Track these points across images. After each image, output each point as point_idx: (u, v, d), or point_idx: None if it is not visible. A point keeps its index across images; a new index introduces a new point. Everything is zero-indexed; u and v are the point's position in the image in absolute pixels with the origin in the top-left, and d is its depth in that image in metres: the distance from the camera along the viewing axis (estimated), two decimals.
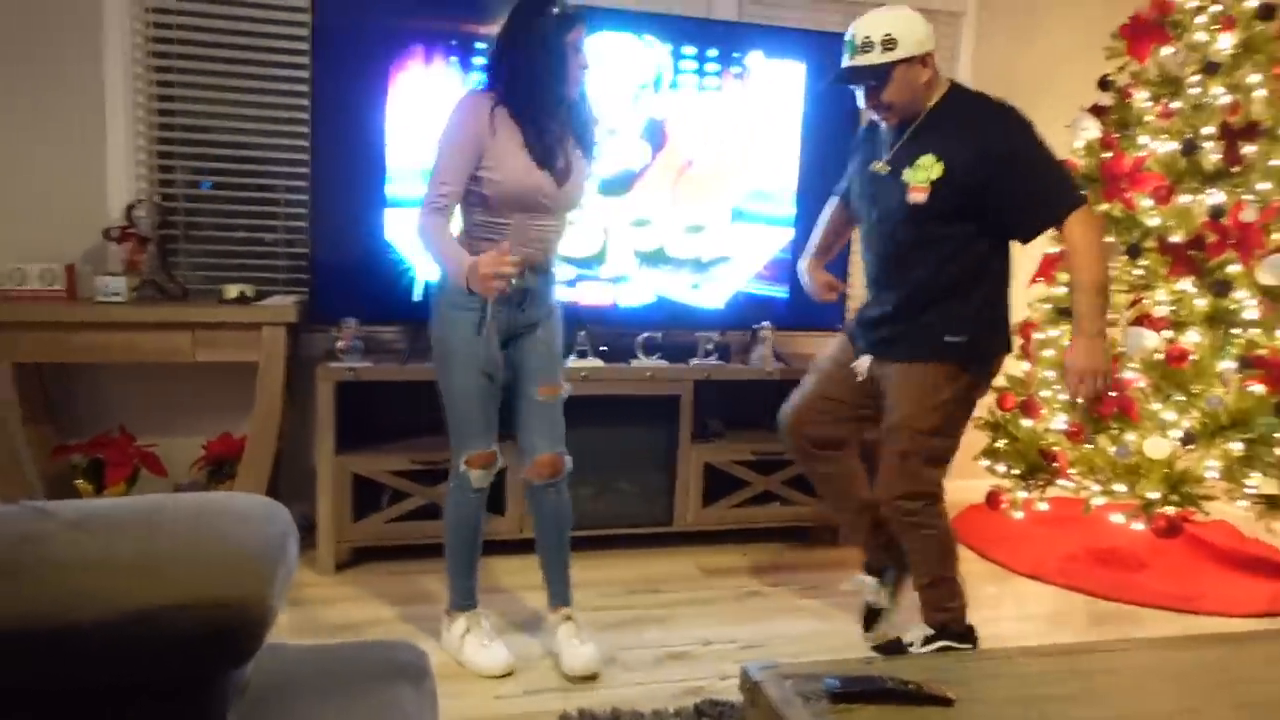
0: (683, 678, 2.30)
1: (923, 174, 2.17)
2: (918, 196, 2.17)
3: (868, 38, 2.14)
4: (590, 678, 2.27)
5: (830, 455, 2.48)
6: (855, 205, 2.42)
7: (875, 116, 2.25)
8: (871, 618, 2.56)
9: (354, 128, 2.78)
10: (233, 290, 2.90)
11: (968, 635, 2.39)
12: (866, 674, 1.34)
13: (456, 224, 2.21)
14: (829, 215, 2.61)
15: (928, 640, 2.38)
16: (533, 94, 2.09)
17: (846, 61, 2.19)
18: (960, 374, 2.24)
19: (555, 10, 2.07)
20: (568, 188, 2.19)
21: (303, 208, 3.09)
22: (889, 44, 2.12)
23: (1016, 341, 3.38)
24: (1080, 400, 2.26)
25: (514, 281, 2.07)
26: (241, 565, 1.01)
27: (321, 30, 2.73)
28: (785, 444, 2.54)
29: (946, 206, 2.17)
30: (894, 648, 2.43)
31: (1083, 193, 2.21)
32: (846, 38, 2.20)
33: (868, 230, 2.36)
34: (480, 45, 2.83)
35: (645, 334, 3.06)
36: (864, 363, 2.37)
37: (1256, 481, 2.96)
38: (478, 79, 2.18)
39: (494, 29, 2.79)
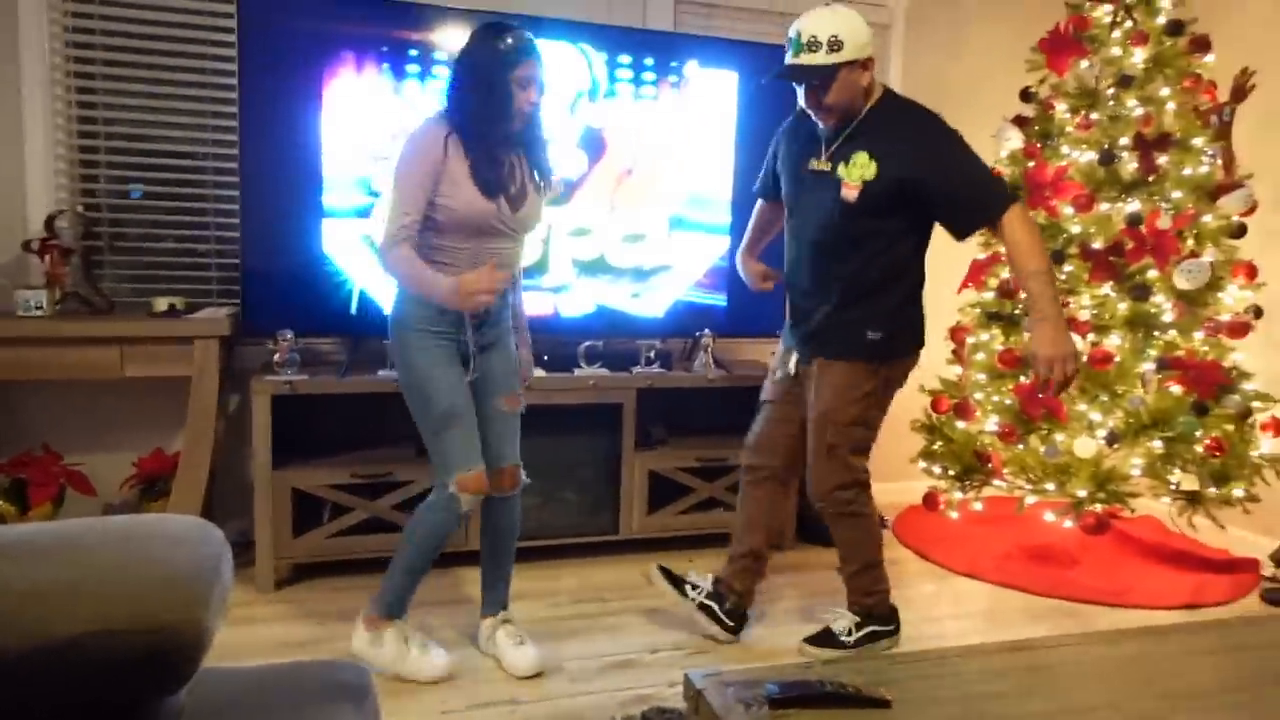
0: (629, 686, 2.31)
1: (856, 172, 2.22)
2: (849, 194, 2.23)
3: (814, 37, 2.15)
4: (537, 676, 2.30)
5: (763, 477, 2.54)
6: (787, 199, 2.45)
7: (814, 116, 2.28)
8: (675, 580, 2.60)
9: (286, 134, 2.74)
10: (162, 303, 2.83)
11: (893, 617, 2.51)
12: (805, 678, 1.36)
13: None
14: (757, 211, 2.68)
15: (857, 626, 2.46)
16: (478, 129, 2.12)
17: (791, 59, 2.21)
18: (880, 368, 2.34)
19: (503, 46, 2.08)
20: (523, 213, 2.22)
21: (235, 217, 3.02)
22: (835, 45, 2.14)
23: (949, 346, 3.49)
24: (1052, 389, 2.23)
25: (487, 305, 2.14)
26: (173, 588, 0.98)
27: (248, 32, 2.69)
28: (750, 470, 2.58)
29: (877, 205, 2.23)
30: (824, 638, 2.49)
31: (1013, 191, 2.29)
32: (791, 34, 2.21)
33: (798, 224, 2.40)
34: (412, 52, 2.82)
35: (587, 343, 3.07)
36: (792, 360, 2.43)
37: (1178, 478, 3.08)
38: (434, 103, 2.20)
39: (426, 35, 2.82)
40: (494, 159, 2.15)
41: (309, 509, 2.83)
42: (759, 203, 2.66)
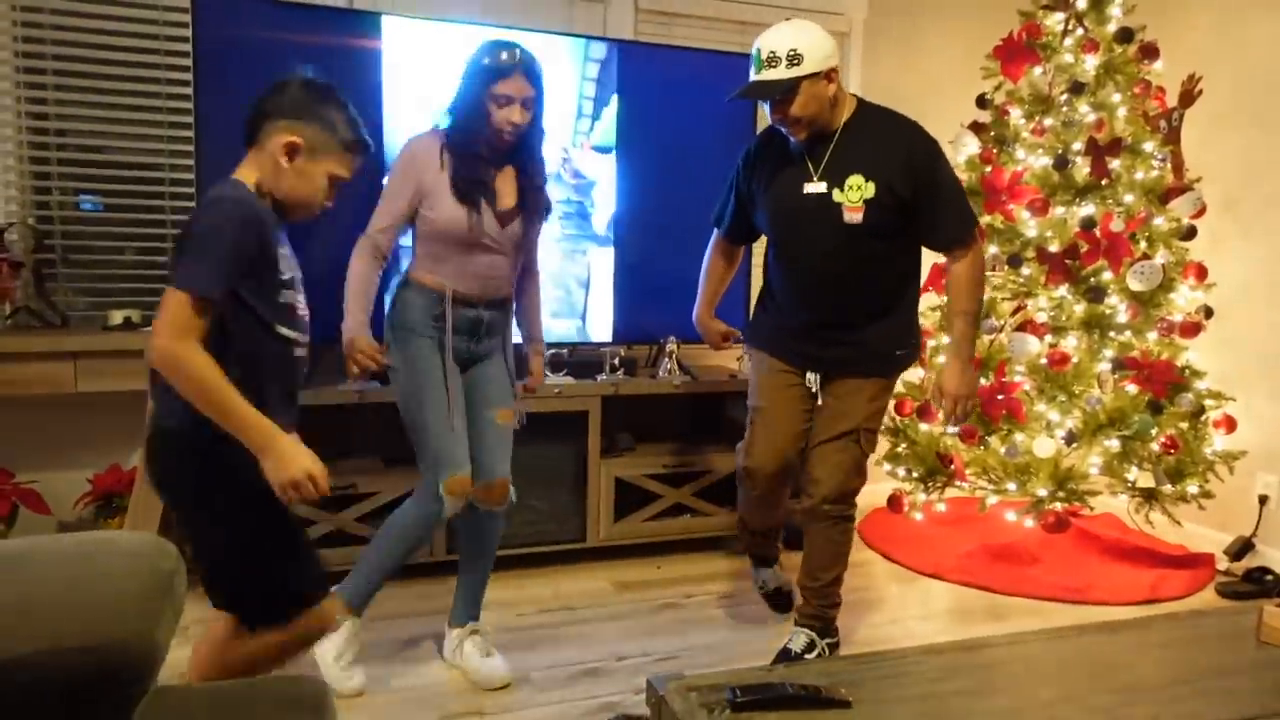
0: (596, 694, 2.31)
1: (855, 194, 2.22)
2: (854, 217, 2.22)
3: (773, 53, 2.16)
4: (504, 687, 2.30)
5: (783, 484, 2.52)
6: (778, 228, 2.38)
7: (785, 131, 2.27)
8: (782, 600, 2.72)
9: (241, 138, 2.70)
10: (118, 316, 2.79)
11: (838, 630, 2.53)
12: (767, 681, 1.37)
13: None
14: (713, 255, 2.61)
15: (816, 643, 2.45)
16: (455, 141, 2.17)
17: (754, 76, 2.22)
18: (895, 379, 2.45)
19: (485, 62, 2.11)
20: (511, 231, 2.23)
21: None
22: (794, 59, 2.15)
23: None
24: (950, 422, 2.41)
25: (471, 315, 2.23)
26: (123, 605, 0.97)
27: (203, 41, 2.66)
28: (759, 493, 2.49)
29: (882, 224, 2.23)
30: (788, 658, 2.43)
31: (977, 226, 2.34)
32: (753, 52, 2.22)
33: (799, 252, 2.35)
34: (364, 60, 2.81)
35: (551, 351, 3.07)
36: (815, 381, 2.41)
37: (1135, 475, 3.14)
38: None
39: (381, 44, 2.81)
40: (472, 171, 2.16)
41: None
42: (714, 244, 2.60)
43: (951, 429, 2.28)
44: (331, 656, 2.23)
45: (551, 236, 3.11)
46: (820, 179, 2.26)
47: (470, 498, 2.26)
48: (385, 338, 2.26)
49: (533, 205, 2.27)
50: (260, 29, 2.71)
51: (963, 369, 2.30)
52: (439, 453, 2.19)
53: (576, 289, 3.20)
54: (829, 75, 2.19)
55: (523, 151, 2.24)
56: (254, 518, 1.58)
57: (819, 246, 2.29)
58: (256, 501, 1.53)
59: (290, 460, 1.49)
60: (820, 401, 2.40)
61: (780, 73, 2.16)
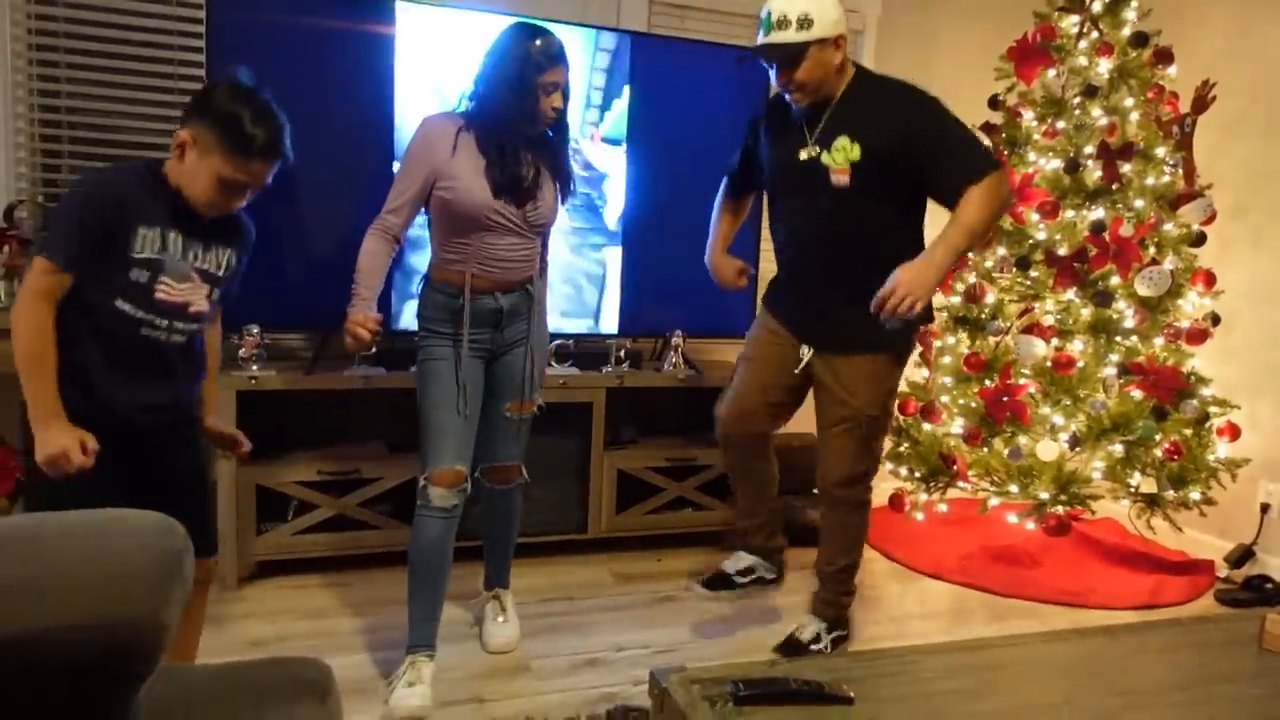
0: (595, 684, 2.31)
1: (841, 156, 2.19)
2: (840, 179, 2.20)
3: (784, 15, 2.14)
4: (506, 653, 2.43)
5: (762, 449, 2.53)
6: (774, 192, 2.41)
7: (788, 96, 2.26)
8: (716, 580, 2.70)
9: None
10: None
11: (849, 622, 2.56)
12: (770, 676, 1.37)
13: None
14: (721, 200, 2.64)
15: (827, 633, 2.48)
16: (499, 129, 2.12)
17: (761, 39, 2.20)
18: (904, 355, 2.39)
19: (534, 49, 2.08)
20: (533, 213, 2.20)
21: None
22: (805, 23, 2.12)
23: (916, 349, 3.54)
24: (885, 311, 2.10)
25: (490, 305, 2.21)
26: (133, 583, 0.97)
27: (216, 22, 2.65)
28: (724, 440, 2.54)
29: (869, 187, 2.20)
30: (793, 648, 2.47)
31: (996, 163, 2.19)
32: (762, 14, 2.20)
33: (793, 215, 2.36)
34: (377, 46, 2.80)
35: (557, 342, 3.07)
36: (807, 353, 2.37)
37: (1137, 481, 3.14)
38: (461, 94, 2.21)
39: (396, 30, 2.80)
40: (515, 158, 2.14)
41: (274, 506, 2.80)
42: (721, 190, 2.62)
43: (886, 321, 2.08)
44: (393, 688, 2.15)
45: (560, 229, 3.10)
46: (815, 144, 2.25)
47: (481, 477, 2.35)
48: (419, 324, 2.27)
49: (559, 183, 2.26)
50: (274, 11, 2.70)
51: (925, 267, 2.07)
52: (428, 442, 2.19)
53: (588, 286, 3.18)
54: (837, 42, 2.18)
55: (553, 136, 2.24)
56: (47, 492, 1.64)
57: (811, 210, 2.29)
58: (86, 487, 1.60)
59: (49, 440, 1.57)
60: (822, 380, 2.37)
61: (790, 35, 2.14)
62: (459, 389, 2.19)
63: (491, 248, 2.18)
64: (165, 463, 1.80)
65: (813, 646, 2.45)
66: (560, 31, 2.95)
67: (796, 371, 2.39)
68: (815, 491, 2.48)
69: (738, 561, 2.71)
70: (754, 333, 2.52)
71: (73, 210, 1.62)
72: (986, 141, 3.39)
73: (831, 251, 2.31)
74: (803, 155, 2.26)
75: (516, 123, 2.12)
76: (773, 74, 2.24)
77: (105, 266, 1.63)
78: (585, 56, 3.05)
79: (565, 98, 2.17)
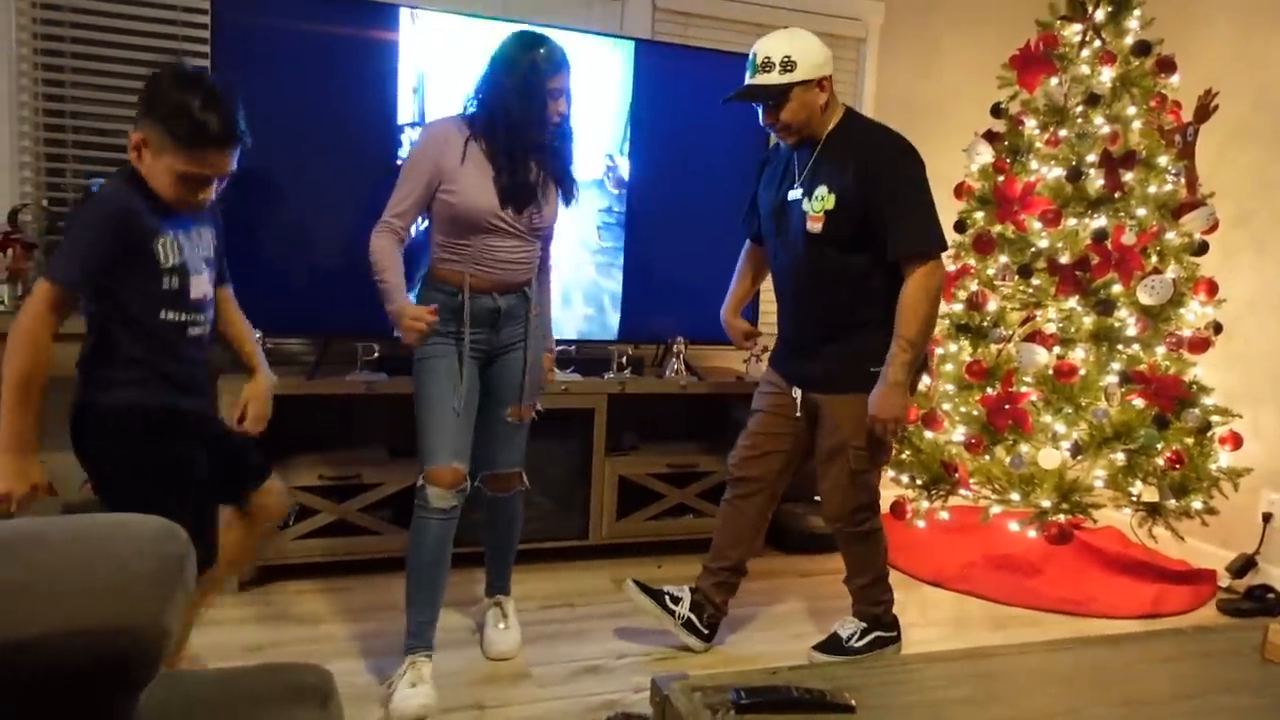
0: (596, 691, 2.31)
1: (819, 204, 2.26)
2: (814, 226, 2.27)
3: (768, 58, 2.22)
4: (507, 660, 2.43)
5: (759, 495, 2.53)
6: (766, 233, 2.47)
7: (775, 135, 2.34)
8: (652, 592, 2.58)
9: (256, 130, 2.70)
10: None
11: (895, 625, 2.56)
12: (772, 684, 1.37)
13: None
14: (742, 257, 2.69)
15: (863, 634, 2.50)
16: (509, 137, 2.13)
17: (748, 79, 2.27)
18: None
19: (541, 52, 2.10)
20: (533, 215, 2.21)
21: None
22: (788, 65, 2.20)
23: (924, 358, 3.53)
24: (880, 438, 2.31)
25: (488, 304, 2.22)
26: (133, 589, 0.97)
27: (221, 27, 2.67)
28: (730, 484, 2.58)
29: (840, 235, 2.25)
30: (832, 644, 2.52)
31: (941, 247, 2.25)
32: (749, 56, 2.28)
33: (777, 256, 2.43)
34: (380, 53, 2.80)
35: (559, 348, 3.07)
36: (798, 395, 2.43)
37: (1139, 489, 3.14)
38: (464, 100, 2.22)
39: (401, 37, 2.81)
40: (524, 166, 2.16)
41: None
42: (746, 247, 2.68)
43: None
44: (394, 690, 2.15)
45: (588, 247, 3.11)
46: (799, 186, 2.32)
47: (482, 485, 2.35)
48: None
49: (561, 188, 2.27)
50: (278, 18, 2.71)
51: (888, 392, 2.22)
52: (427, 446, 2.20)
53: (610, 310, 3.18)
54: (821, 83, 2.24)
55: (557, 141, 2.24)
56: (140, 496, 1.63)
57: (792, 253, 2.36)
58: (149, 480, 1.68)
59: (19, 472, 1.61)
60: (813, 415, 2.43)
61: (773, 78, 2.21)
62: (456, 387, 2.19)
63: (492, 250, 2.19)
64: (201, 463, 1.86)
65: (849, 643, 2.50)
66: (593, 43, 3.00)
67: (798, 415, 2.44)
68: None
69: (679, 590, 2.60)
70: (759, 388, 2.59)
71: (86, 233, 1.61)
72: (971, 188, 3.42)
73: (809, 294, 2.37)
74: (790, 196, 2.35)
75: (526, 130, 2.13)
76: (760, 114, 2.30)
77: (139, 286, 1.66)
78: (624, 71, 3.07)
79: (568, 102, 2.19)
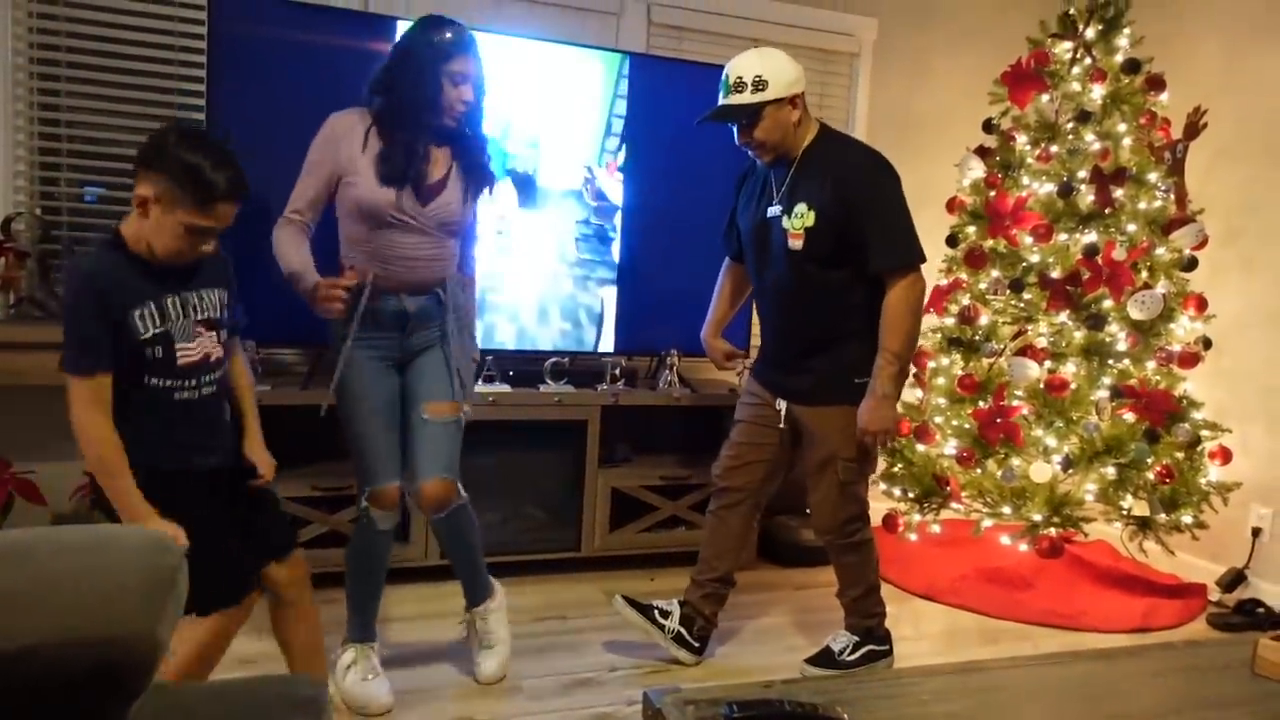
0: (589, 705, 2.30)
1: (799, 222, 2.28)
2: (795, 243, 2.30)
3: (740, 78, 2.26)
4: (498, 681, 2.36)
5: (743, 505, 2.54)
6: (747, 249, 2.50)
7: (751, 154, 2.37)
8: (640, 607, 2.58)
9: (253, 140, 2.71)
10: None
11: (888, 637, 2.57)
12: (765, 698, 1.37)
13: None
14: (722, 277, 2.70)
15: (855, 647, 2.51)
16: (397, 117, 2.08)
17: (721, 100, 2.31)
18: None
19: (438, 38, 2.06)
20: (436, 210, 2.13)
21: None
22: (760, 85, 2.24)
23: (910, 370, 3.54)
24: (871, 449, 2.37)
25: (394, 305, 2.13)
26: (126, 601, 0.97)
27: (218, 38, 2.67)
28: (714, 494, 2.60)
29: (821, 252, 2.28)
30: (824, 658, 2.53)
31: (920, 260, 2.28)
32: (722, 77, 2.31)
33: (759, 272, 2.45)
34: (378, 60, 2.81)
35: (553, 359, 3.07)
36: (782, 407, 2.45)
37: (1129, 503, 3.15)
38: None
39: (388, 48, 2.81)
40: (409, 149, 2.07)
41: None
42: (725, 266, 2.69)
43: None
44: (346, 679, 2.21)
45: (565, 259, 3.11)
46: (778, 203, 2.34)
47: (416, 504, 2.23)
48: (329, 344, 2.22)
49: (470, 181, 2.19)
50: (275, 28, 2.72)
51: (877, 405, 2.25)
52: (360, 463, 2.18)
53: (587, 324, 3.18)
54: (793, 101, 2.27)
55: (465, 131, 2.17)
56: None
57: (774, 269, 2.38)
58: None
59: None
60: (799, 428, 2.45)
61: (745, 97, 2.25)
62: (380, 399, 2.15)
63: (395, 246, 2.12)
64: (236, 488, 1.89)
65: (841, 657, 2.51)
66: (579, 55, 3.02)
67: (781, 426, 2.45)
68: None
69: (668, 604, 2.60)
70: (741, 398, 2.61)
71: (78, 319, 1.66)
72: (963, 203, 3.45)
73: (790, 309, 2.40)
74: (769, 213, 2.37)
75: (417, 111, 2.07)
76: (735, 133, 2.33)
77: (126, 353, 1.68)
78: (606, 82, 3.08)
79: (478, 91, 2.12)
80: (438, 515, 2.22)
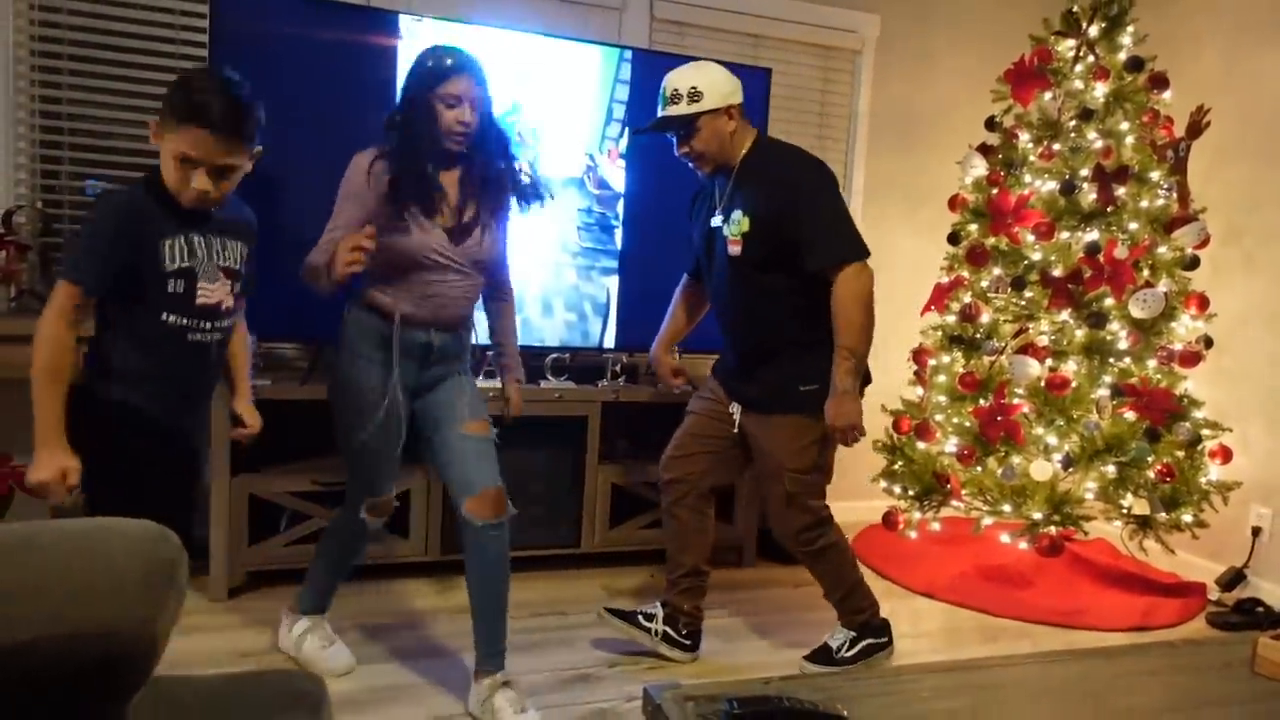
0: (588, 700, 2.30)
1: (735, 229, 2.31)
2: (734, 249, 2.32)
3: (676, 90, 2.30)
4: None
5: (692, 499, 2.54)
6: (699, 261, 2.52)
7: (691, 165, 2.39)
8: (624, 616, 2.58)
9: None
10: None
11: (885, 629, 2.57)
12: (764, 694, 1.37)
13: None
14: (678, 293, 2.71)
15: (852, 643, 2.52)
16: (402, 147, 2.08)
17: (660, 112, 2.35)
18: (820, 417, 2.31)
19: (429, 64, 2.06)
20: (469, 245, 2.13)
21: None
22: (695, 96, 2.28)
23: (911, 368, 3.54)
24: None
25: (421, 339, 2.15)
26: (126, 593, 0.97)
27: (220, 32, 2.66)
28: (661, 486, 2.60)
29: (757, 257, 2.30)
30: (822, 655, 2.53)
31: (862, 253, 2.27)
32: (660, 90, 2.35)
33: (710, 281, 2.48)
34: (380, 59, 2.81)
35: (553, 355, 3.07)
36: (736, 411, 2.47)
37: (1129, 502, 3.15)
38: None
39: (392, 42, 2.81)
40: (421, 178, 2.06)
41: (266, 516, 2.79)
42: (682, 283, 2.71)
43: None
44: (305, 646, 2.31)
45: (568, 250, 3.11)
46: (719, 213, 2.38)
47: (468, 515, 2.14)
48: (340, 353, 2.20)
49: (486, 203, 2.16)
50: (277, 23, 2.71)
51: (837, 401, 2.25)
52: (358, 474, 2.21)
53: (592, 315, 3.18)
54: (729, 111, 2.30)
55: (477, 154, 2.14)
56: (103, 483, 1.70)
57: (719, 278, 2.41)
58: (114, 470, 1.70)
59: (49, 462, 1.63)
60: (750, 437, 2.45)
61: (682, 109, 2.30)
62: (387, 417, 2.13)
63: (424, 284, 2.11)
64: (182, 471, 1.89)
65: (839, 653, 2.51)
66: (567, 50, 3.01)
67: (734, 431, 2.47)
68: None
69: (650, 607, 2.60)
70: (696, 391, 2.63)
71: (95, 235, 1.66)
72: (965, 200, 3.45)
73: (735, 315, 2.42)
74: (712, 223, 2.40)
75: (418, 139, 2.06)
76: (675, 146, 2.36)
77: (143, 286, 1.68)
78: (606, 70, 3.07)
79: (478, 111, 2.09)
80: (497, 521, 2.15)
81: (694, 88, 2.27)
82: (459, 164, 2.15)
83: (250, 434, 2.02)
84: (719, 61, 2.42)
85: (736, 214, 2.31)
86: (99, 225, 1.67)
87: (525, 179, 2.25)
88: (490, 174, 2.17)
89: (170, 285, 1.70)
